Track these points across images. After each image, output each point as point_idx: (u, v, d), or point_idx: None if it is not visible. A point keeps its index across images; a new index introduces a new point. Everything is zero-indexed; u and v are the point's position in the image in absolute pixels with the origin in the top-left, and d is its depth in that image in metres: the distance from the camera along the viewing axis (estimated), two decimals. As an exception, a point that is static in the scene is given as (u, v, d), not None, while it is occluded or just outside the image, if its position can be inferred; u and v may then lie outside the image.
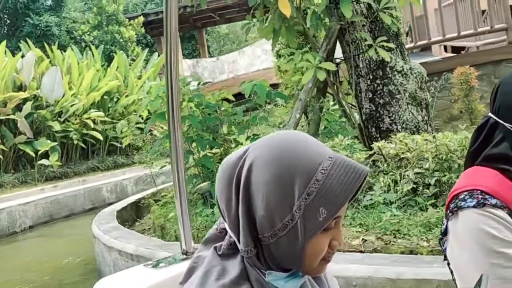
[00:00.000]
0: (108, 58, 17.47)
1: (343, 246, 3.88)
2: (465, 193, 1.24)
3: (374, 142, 5.45)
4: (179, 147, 1.80)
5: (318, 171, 0.94)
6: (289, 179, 0.93)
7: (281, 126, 6.68)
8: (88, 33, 18.55)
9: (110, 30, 18.31)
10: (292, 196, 0.93)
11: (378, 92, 5.55)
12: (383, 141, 4.71)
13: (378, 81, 5.55)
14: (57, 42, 16.35)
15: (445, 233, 1.29)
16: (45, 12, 18.61)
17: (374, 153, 4.64)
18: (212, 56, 23.74)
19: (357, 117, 5.89)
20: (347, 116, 5.96)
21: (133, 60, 17.78)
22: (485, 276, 0.99)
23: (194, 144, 5.82)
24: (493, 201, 1.19)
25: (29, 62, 13.62)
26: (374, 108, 5.57)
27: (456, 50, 13.25)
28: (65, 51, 15.94)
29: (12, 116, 12.50)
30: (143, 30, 19.16)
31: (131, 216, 7.61)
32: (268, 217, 0.94)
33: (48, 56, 15.04)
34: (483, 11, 10.26)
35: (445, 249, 1.29)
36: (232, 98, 6.50)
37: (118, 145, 15.77)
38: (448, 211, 1.27)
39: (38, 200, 10.66)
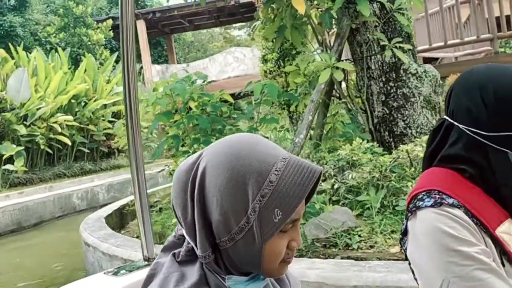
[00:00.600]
0: (75, 61, 16.87)
1: (383, 254, 3.65)
2: (423, 193, 1.26)
3: (387, 146, 5.28)
4: (139, 152, 1.77)
5: (271, 173, 0.93)
6: (242, 181, 0.92)
7: (282, 129, 6.43)
8: (54, 35, 17.85)
9: (77, 32, 17.68)
10: (246, 199, 0.92)
11: (392, 95, 5.37)
12: (412, 144, 4.51)
13: (391, 84, 5.37)
14: (22, 43, 15.66)
15: (405, 233, 1.30)
16: (9, 12, 17.81)
17: (399, 156, 4.44)
18: (178, 63, 23.35)
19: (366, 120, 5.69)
20: (356, 120, 5.76)
21: (101, 63, 17.22)
22: (446, 281, 1.02)
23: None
24: (450, 200, 1.21)
25: (-7, 63, 13.01)
26: (387, 112, 5.39)
27: (428, 61, 13.38)
28: (30, 53, 15.29)
29: (-25, 119, 11.90)
30: (111, 33, 18.61)
31: (117, 223, 7.21)
32: (224, 221, 0.93)
33: (12, 57, 14.39)
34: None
35: (406, 249, 1.30)
36: (231, 99, 6.23)
37: (86, 150, 15.21)
38: (407, 211, 1.29)
39: (6, 207, 10.07)
